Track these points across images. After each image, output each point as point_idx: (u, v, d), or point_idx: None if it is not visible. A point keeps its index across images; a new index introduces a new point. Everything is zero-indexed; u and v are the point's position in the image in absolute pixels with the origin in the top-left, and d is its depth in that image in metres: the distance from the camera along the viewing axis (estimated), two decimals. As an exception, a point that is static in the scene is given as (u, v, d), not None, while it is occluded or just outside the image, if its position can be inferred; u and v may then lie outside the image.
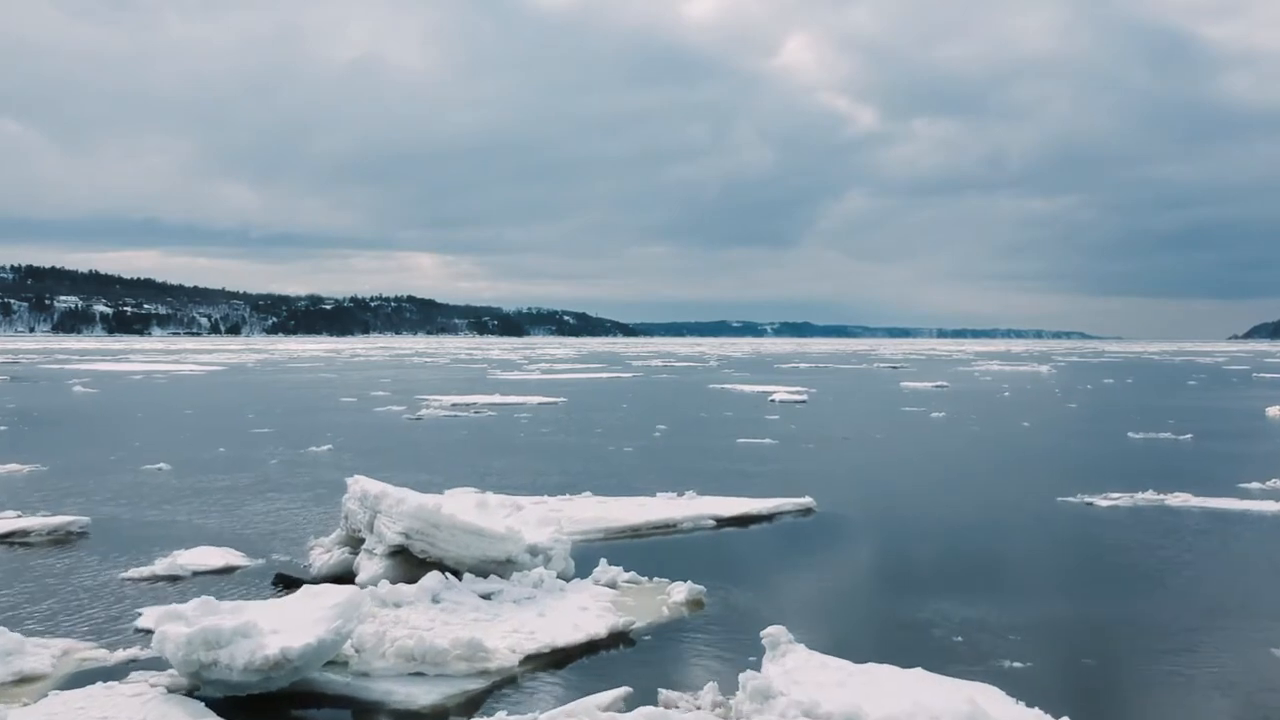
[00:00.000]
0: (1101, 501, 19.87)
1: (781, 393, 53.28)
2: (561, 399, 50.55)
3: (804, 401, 49.82)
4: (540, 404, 47.56)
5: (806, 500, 19.07)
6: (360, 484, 13.36)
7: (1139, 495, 20.30)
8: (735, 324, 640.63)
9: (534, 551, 12.74)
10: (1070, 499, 20.26)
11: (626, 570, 13.22)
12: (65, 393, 55.29)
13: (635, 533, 16.68)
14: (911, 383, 70.10)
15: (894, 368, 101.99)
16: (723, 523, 17.56)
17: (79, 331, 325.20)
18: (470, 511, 12.93)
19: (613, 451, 28.59)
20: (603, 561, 13.30)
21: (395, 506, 12.24)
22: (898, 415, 42.81)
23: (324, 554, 13.66)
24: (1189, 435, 33.06)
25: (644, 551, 15.51)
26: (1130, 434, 33.72)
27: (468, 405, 45.32)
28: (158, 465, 24.70)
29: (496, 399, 49.62)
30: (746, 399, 53.00)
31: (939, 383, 69.61)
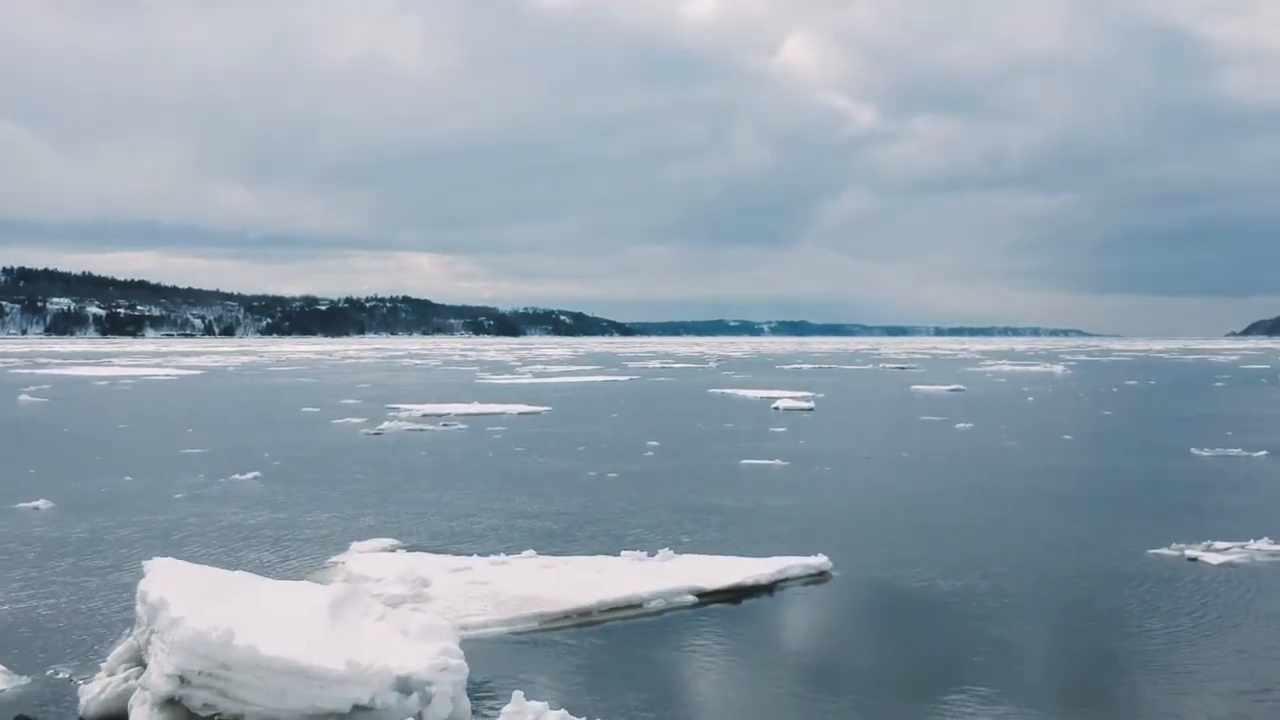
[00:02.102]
0: (1208, 556, 15.15)
1: (786, 399, 48.87)
2: (547, 408, 45.95)
3: (811, 409, 45.32)
4: (521, 414, 43.03)
5: (820, 560, 14.42)
6: (154, 576, 8.81)
7: (1252, 545, 15.60)
8: (733, 323, 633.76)
9: (405, 688, 8.05)
10: (1165, 551, 15.56)
11: (555, 707, 8.63)
12: (8, 404, 50.79)
13: (584, 619, 11.95)
14: (923, 385, 65.73)
15: (900, 368, 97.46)
16: (707, 598, 12.94)
17: (72, 334, 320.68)
18: (310, 626, 8.31)
19: (591, 480, 23.94)
20: (517, 695, 8.58)
21: (169, 631, 7.62)
22: (918, 427, 38.14)
23: (106, 678, 9.11)
24: (1263, 452, 28.23)
25: (589, 655, 10.91)
26: (1194, 450, 28.94)
27: (439, 416, 40.75)
28: (35, 503, 20.11)
29: (474, 408, 45.09)
30: (749, 406, 48.62)
31: (953, 386, 65.19)
